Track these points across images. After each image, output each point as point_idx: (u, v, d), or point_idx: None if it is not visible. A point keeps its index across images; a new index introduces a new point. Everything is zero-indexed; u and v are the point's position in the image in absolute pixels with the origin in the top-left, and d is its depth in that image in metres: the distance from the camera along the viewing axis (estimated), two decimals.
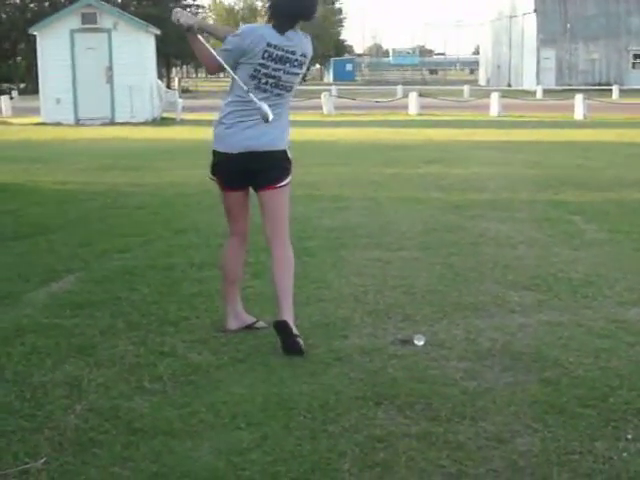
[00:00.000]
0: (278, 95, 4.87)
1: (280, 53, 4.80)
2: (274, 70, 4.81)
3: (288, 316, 4.93)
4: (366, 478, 3.50)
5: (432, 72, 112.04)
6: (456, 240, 8.14)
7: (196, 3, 73.74)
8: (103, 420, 4.00)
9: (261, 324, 5.32)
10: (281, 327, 4.89)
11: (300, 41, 4.87)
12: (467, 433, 3.87)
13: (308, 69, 5.24)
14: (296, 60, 4.84)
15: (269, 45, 4.79)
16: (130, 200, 10.72)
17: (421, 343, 5.04)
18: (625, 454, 3.67)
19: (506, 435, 3.86)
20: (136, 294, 6.19)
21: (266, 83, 4.83)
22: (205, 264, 6.96)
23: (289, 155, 5.00)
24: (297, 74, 4.90)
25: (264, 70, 4.81)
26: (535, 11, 63.17)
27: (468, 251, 7.66)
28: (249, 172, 4.94)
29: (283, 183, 5.00)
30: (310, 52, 4.94)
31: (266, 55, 4.79)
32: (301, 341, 4.87)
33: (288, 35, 4.83)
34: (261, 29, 4.87)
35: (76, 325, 5.44)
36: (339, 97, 39.05)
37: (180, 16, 4.92)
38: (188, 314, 5.66)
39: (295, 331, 4.89)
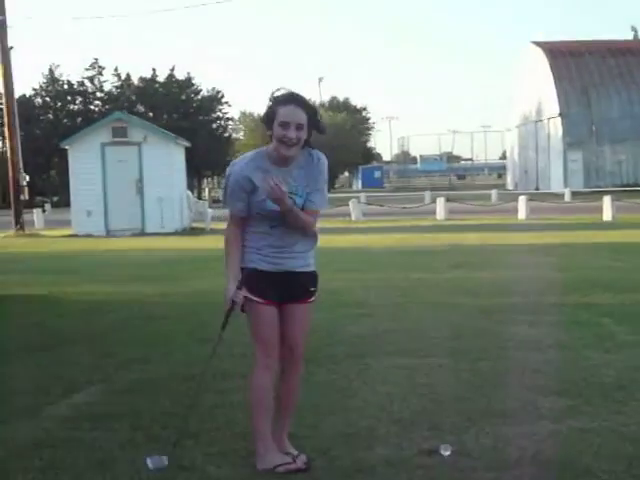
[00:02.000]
0: None
1: None
2: None
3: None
4: None
5: (460, 177, 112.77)
6: (484, 345, 7.99)
7: (226, 116, 74.95)
8: None
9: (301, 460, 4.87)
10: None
11: None
12: None
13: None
14: None
15: None
16: (155, 310, 10.70)
17: (447, 453, 4.88)
18: None
19: None
20: (157, 406, 6.10)
21: None
22: (227, 374, 6.86)
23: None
24: None
25: None
26: (560, 115, 63.68)
27: (496, 356, 7.52)
28: None
29: None
30: None
31: None
32: (283, 468, 4.69)
33: None
34: None
35: (95, 438, 5.34)
36: (367, 204, 39.30)
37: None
38: (208, 426, 5.55)
39: (266, 466, 4.72)
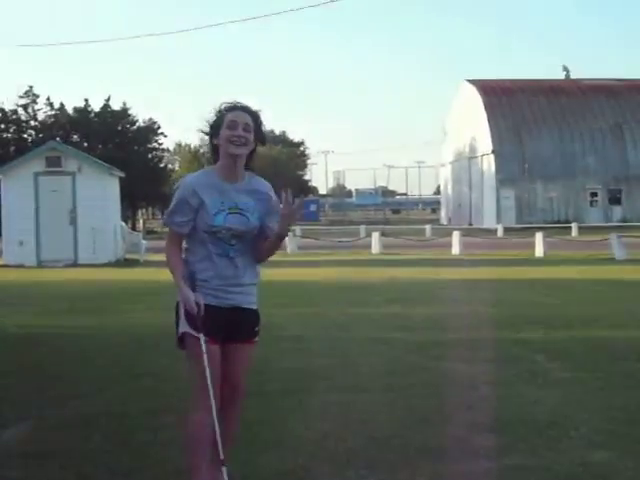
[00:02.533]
0: None
1: None
2: None
3: None
4: None
5: (395, 212, 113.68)
6: (419, 381, 8.01)
7: (162, 147, 74.57)
8: None
9: None
10: None
11: None
12: None
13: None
14: None
15: None
16: (88, 344, 10.53)
17: None
18: None
19: None
20: (89, 443, 5.98)
21: None
22: (161, 410, 6.76)
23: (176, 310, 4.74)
24: None
25: None
26: (493, 152, 64.69)
27: (431, 392, 7.53)
28: None
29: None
30: None
31: None
32: None
33: None
34: None
35: (24, 477, 5.21)
36: (303, 237, 39.33)
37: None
38: (141, 464, 5.45)
39: None
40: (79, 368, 8.92)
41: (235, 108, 4.70)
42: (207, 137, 4.80)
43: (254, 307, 4.78)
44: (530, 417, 6.61)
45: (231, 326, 4.67)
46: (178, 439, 5.15)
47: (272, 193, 4.81)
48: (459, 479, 5.11)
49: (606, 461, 5.48)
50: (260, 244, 4.74)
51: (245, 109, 4.71)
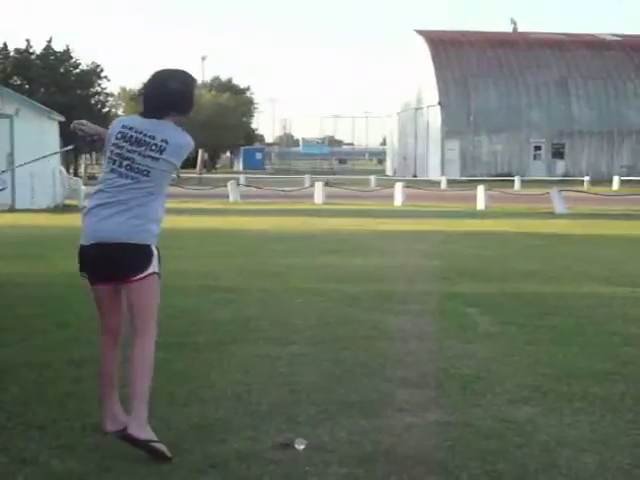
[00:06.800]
0: (134, 179, 4.74)
1: (135, 135, 4.76)
2: (128, 152, 4.75)
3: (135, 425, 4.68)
4: None
5: (341, 162, 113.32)
6: (349, 334, 7.96)
7: (105, 91, 73.26)
8: None
9: None
10: (128, 440, 4.67)
11: (164, 128, 4.78)
12: None
13: (189, 159, 5.08)
14: (155, 144, 4.73)
15: (124, 127, 4.82)
16: (15, 291, 10.32)
17: (302, 447, 4.80)
18: None
19: None
20: (5, 394, 5.83)
21: (120, 165, 4.76)
22: (84, 361, 6.62)
23: (151, 250, 4.80)
24: (155, 158, 4.72)
25: (117, 150, 4.79)
26: (439, 104, 64.67)
27: (360, 345, 7.48)
28: (103, 264, 4.84)
29: (139, 276, 4.77)
30: (175, 140, 4.78)
31: (119, 136, 4.80)
32: (159, 446, 4.60)
33: (152, 121, 4.80)
34: (124, 117, 5.00)
35: None
36: (246, 185, 39.09)
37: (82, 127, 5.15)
38: (58, 416, 5.31)
39: (147, 437, 4.61)
40: (2, 317, 8.70)
41: None
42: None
43: None
44: (456, 371, 6.58)
45: None
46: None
47: None
48: (379, 434, 5.05)
49: (530, 417, 5.47)
50: None
51: None
